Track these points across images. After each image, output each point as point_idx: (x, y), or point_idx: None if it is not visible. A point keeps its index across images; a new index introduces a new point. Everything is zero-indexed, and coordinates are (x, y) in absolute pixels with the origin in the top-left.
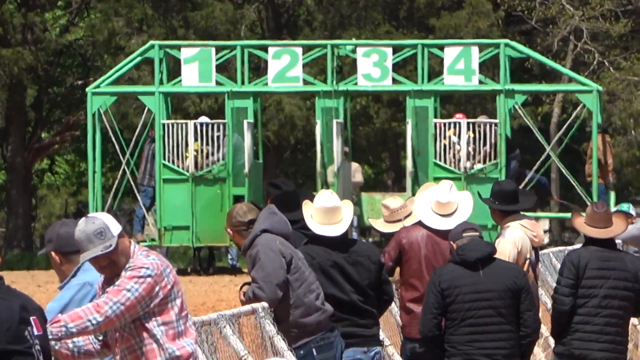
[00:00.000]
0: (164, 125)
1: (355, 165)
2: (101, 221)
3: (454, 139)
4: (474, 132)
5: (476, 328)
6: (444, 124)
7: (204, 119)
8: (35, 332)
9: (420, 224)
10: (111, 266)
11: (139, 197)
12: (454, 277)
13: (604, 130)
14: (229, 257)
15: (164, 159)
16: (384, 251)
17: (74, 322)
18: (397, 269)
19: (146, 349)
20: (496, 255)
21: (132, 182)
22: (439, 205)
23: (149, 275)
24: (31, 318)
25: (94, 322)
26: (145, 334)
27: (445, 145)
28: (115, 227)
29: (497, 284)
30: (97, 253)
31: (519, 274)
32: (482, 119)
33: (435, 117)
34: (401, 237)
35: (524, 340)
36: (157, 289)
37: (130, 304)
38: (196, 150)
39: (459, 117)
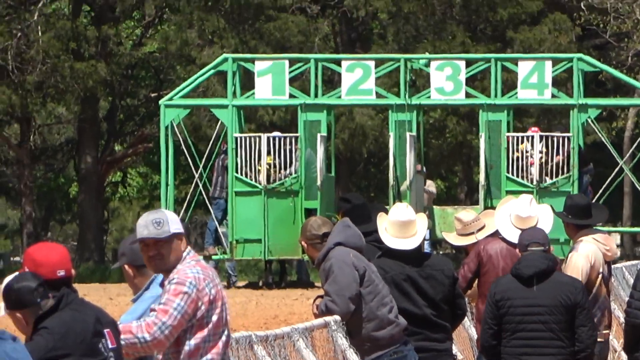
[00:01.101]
0: (236, 138)
1: (429, 182)
2: (163, 213)
3: (528, 147)
4: (546, 146)
5: (526, 342)
6: (517, 138)
7: (276, 133)
8: (110, 345)
9: (497, 235)
10: (157, 259)
11: (211, 210)
12: (508, 289)
13: None
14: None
15: (237, 172)
16: (464, 262)
17: (124, 334)
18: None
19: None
20: (569, 270)
21: (204, 195)
22: (519, 219)
23: (193, 291)
24: (105, 331)
25: (142, 340)
26: (173, 347)
27: (518, 158)
28: (175, 225)
29: (549, 299)
30: (144, 235)
31: (574, 289)
32: (556, 132)
33: (509, 130)
34: (480, 249)
35: (579, 356)
36: (199, 304)
37: (178, 323)
38: (269, 164)
39: (534, 131)
